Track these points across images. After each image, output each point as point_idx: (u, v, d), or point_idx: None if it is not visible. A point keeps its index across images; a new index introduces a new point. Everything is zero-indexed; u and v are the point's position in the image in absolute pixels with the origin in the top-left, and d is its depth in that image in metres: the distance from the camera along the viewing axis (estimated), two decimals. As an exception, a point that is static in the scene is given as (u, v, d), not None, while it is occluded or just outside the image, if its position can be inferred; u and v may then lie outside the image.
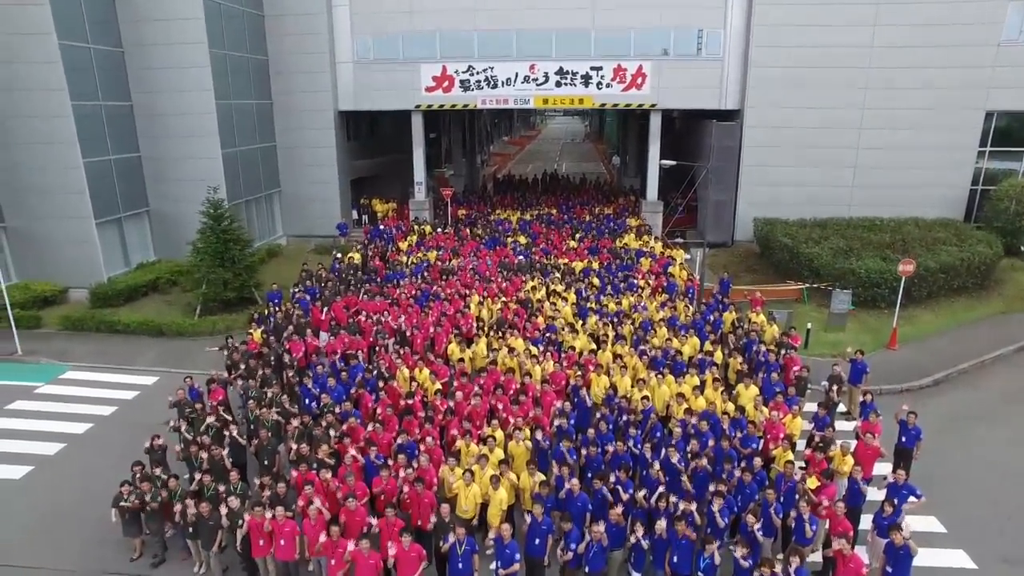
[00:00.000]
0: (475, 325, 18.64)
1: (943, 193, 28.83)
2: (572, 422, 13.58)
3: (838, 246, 23.90)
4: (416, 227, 29.23)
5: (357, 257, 24.73)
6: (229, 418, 13.86)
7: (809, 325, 19.97)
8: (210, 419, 13.21)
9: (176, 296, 24.50)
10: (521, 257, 24.27)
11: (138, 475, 11.76)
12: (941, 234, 25.07)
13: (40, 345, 20.25)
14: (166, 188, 26.49)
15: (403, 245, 26.88)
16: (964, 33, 26.80)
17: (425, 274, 22.81)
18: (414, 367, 15.73)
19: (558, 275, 22.52)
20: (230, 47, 27.05)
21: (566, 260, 24.37)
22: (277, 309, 19.75)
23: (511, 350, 16.28)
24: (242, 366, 15.95)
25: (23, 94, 22.06)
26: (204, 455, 12.20)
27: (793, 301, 23.01)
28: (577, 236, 27.74)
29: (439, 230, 28.74)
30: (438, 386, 14.88)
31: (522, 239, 27.20)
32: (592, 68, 29.15)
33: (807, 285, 22.92)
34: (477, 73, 29.54)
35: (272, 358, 16.54)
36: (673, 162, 24.81)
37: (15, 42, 21.61)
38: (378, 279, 22.86)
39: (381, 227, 29.52)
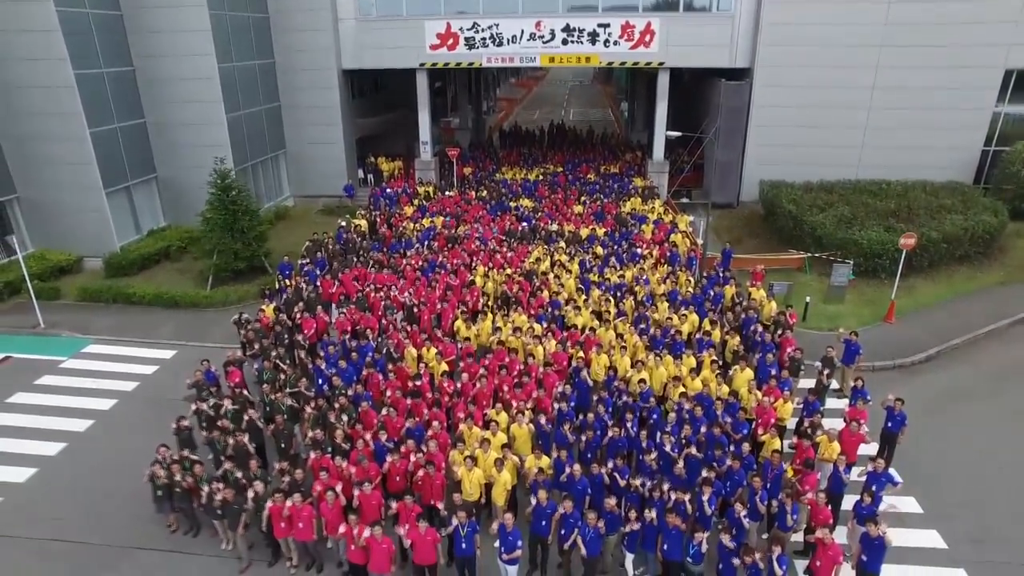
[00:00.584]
0: (480, 300, 19.20)
1: (954, 155, 28.57)
2: (572, 404, 14.31)
3: (842, 214, 24.01)
4: (421, 188, 29.38)
5: (363, 224, 25.09)
6: (249, 397, 14.65)
7: (808, 298, 20.38)
8: (227, 403, 13.98)
9: (187, 263, 25.11)
10: (525, 224, 24.53)
11: (165, 458, 12.63)
12: (948, 200, 25.04)
13: (61, 317, 21.01)
14: (173, 154, 26.67)
15: (408, 210, 27.14)
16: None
17: (431, 243, 23.19)
18: (421, 346, 16.39)
19: (563, 244, 22.88)
20: (230, 7, 26.59)
21: (571, 226, 24.61)
22: (288, 283, 20.34)
23: (516, 329, 16.87)
24: (256, 345, 16.67)
25: (27, 64, 22.03)
26: (229, 440, 13.02)
27: (795, 270, 23.35)
28: (583, 200, 27.87)
29: (445, 193, 28.88)
30: (444, 367, 15.59)
31: (527, 202, 27.38)
32: (599, 25, 28.53)
33: (809, 255, 23.17)
34: (482, 30, 28.98)
35: (285, 336, 17.24)
36: (678, 133, 24.62)
37: (11, 9, 21.44)
38: (385, 247, 23.31)
39: (388, 190, 29.65)
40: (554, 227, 24.51)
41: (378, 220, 25.70)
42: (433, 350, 16.08)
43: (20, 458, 14.76)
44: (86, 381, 17.72)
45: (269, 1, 29.32)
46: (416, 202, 27.92)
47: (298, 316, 17.88)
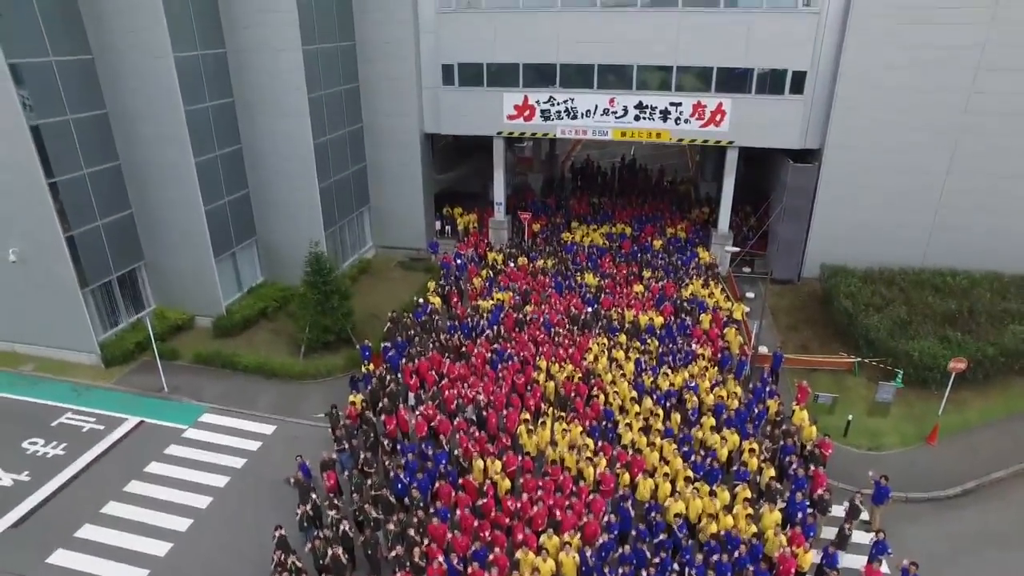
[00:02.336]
0: (542, 402, 21.70)
1: (1027, 242, 28.65)
2: (615, 533, 16.70)
3: (898, 316, 24.94)
4: (490, 255, 31.83)
5: (437, 301, 27.83)
6: (339, 505, 17.73)
7: (850, 417, 21.76)
8: (331, 514, 17.08)
9: (282, 322, 28.66)
10: (588, 310, 26.66)
11: (276, 562, 15.83)
12: (1013, 304, 25.50)
13: (180, 380, 24.84)
14: (271, 219, 30.08)
15: (477, 282, 29.71)
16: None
17: (500, 327, 25.71)
18: (488, 455, 19.07)
19: (622, 337, 24.95)
20: (326, 85, 29.46)
21: (632, 313, 26.57)
22: (371, 367, 23.41)
23: (571, 447, 19.27)
24: (345, 444, 19.77)
25: (156, 146, 25.51)
26: (329, 551, 16.12)
27: (845, 371, 24.61)
28: (645, 278, 29.65)
29: (511, 264, 31.24)
30: (507, 483, 18.23)
31: (591, 279, 29.41)
32: (671, 104, 29.82)
33: (859, 359, 24.35)
34: (558, 104, 30.79)
35: (371, 434, 20.30)
36: (736, 249, 26.14)
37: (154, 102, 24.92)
38: (458, 325, 26.03)
39: (458, 256, 32.13)
40: (615, 313, 26.52)
41: (451, 295, 28.40)
42: (498, 463, 18.73)
43: (159, 531, 18.45)
44: (204, 454, 21.36)
45: (360, 70, 32.04)
46: (484, 273, 30.39)
47: (382, 415, 20.88)
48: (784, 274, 31.19)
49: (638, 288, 28.64)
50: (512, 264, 31.31)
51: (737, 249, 26.75)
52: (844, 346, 25.81)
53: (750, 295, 30.35)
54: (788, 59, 28.19)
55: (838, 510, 18.07)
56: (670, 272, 30.20)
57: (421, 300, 27.88)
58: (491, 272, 30.75)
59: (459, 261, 31.51)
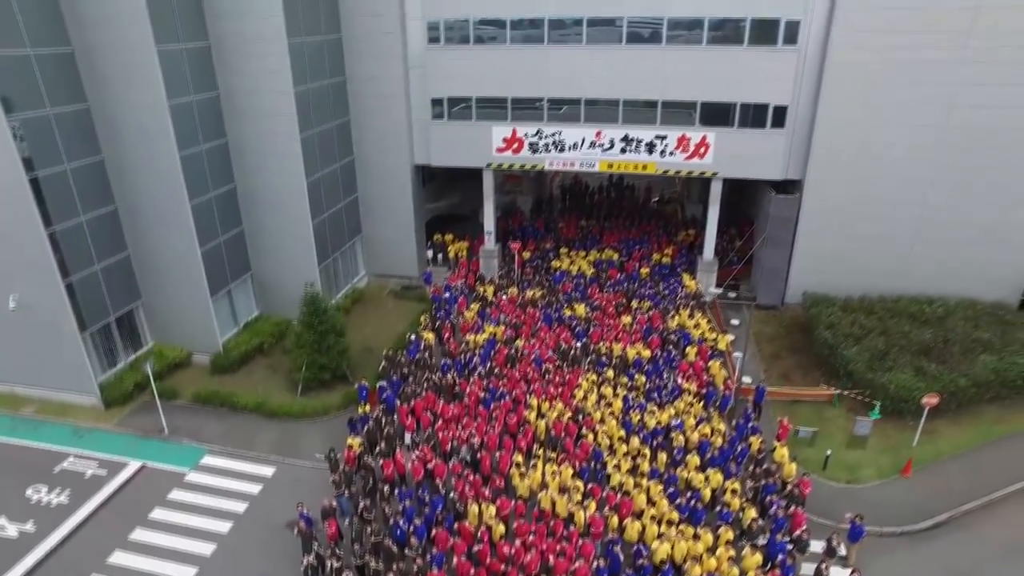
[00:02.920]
0: (534, 442, 22.60)
1: (1003, 271, 29.72)
2: (605, 577, 17.66)
3: (875, 347, 26.01)
4: (480, 288, 32.65)
5: (430, 337, 28.63)
6: (340, 554, 18.56)
7: (829, 451, 22.79)
8: (331, 563, 17.92)
9: (278, 358, 29.34)
10: (578, 344, 27.54)
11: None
12: (985, 333, 26.63)
13: (180, 421, 25.52)
14: (266, 255, 30.73)
15: (468, 315, 30.54)
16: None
17: (491, 362, 26.55)
18: (483, 499, 19.95)
19: (610, 372, 25.86)
20: (317, 122, 30.06)
21: (619, 346, 27.48)
22: (368, 408, 24.22)
23: (562, 490, 20.19)
24: (343, 489, 20.57)
25: (152, 190, 26.06)
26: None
27: (825, 403, 25.65)
28: (632, 307, 30.57)
29: (502, 295, 32.06)
30: (502, 528, 19.12)
31: (580, 309, 30.29)
32: (657, 136, 30.67)
33: (838, 391, 25.40)
34: (545, 137, 31.57)
35: (370, 478, 21.14)
36: (719, 290, 27.17)
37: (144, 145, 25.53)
38: (452, 363, 26.85)
39: (447, 289, 32.87)
40: (603, 347, 27.43)
41: (444, 329, 29.22)
42: (492, 508, 19.61)
43: (166, 581, 19.27)
44: (207, 499, 22.09)
45: (351, 104, 32.68)
46: (474, 306, 31.21)
47: (380, 459, 21.71)
48: (768, 300, 32.22)
49: (626, 319, 29.53)
50: (503, 296, 32.12)
51: (720, 291, 27.66)
52: (825, 375, 26.88)
53: (735, 322, 31.36)
54: (770, 94, 29.08)
55: (817, 545, 19.12)
56: (657, 302, 31.11)
57: (414, 336, 28.62)
58: (482, 304, 31.56)
59: (449, 294, 32.27)
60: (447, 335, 29.28)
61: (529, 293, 32.08)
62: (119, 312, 27.26)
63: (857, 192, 29.59)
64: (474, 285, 33.38)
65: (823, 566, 17.85)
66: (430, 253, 36.59)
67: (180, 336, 28.89)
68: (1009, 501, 21.53)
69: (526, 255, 35.42)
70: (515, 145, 32.07)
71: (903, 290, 30.17)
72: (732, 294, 33.84)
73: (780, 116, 29.38)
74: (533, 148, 31.98)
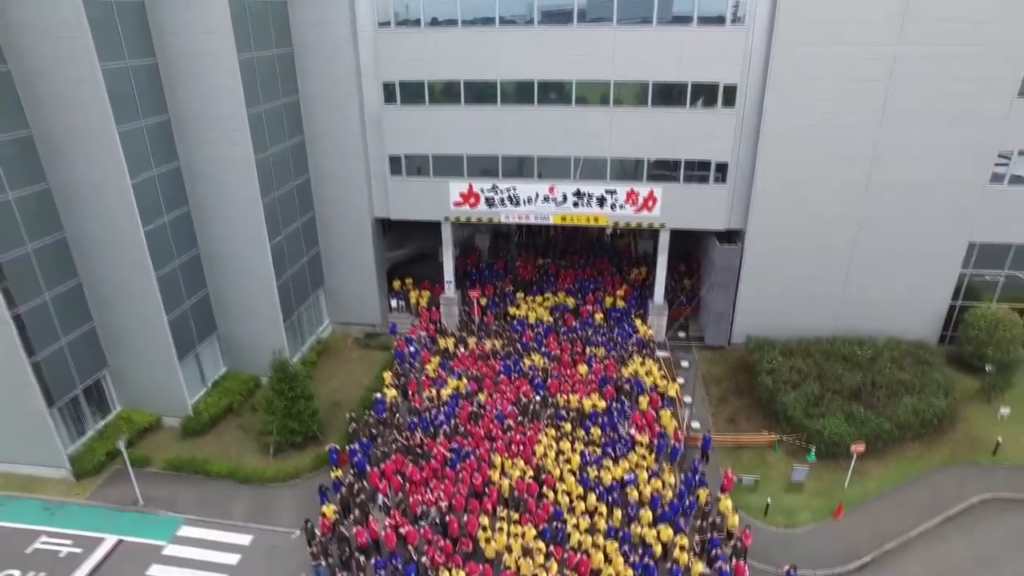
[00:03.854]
0: (498, 502, 24.29)
1: (925, 309, 32.72)
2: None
3: (811, 392, 28.49)
4: (441, 342, 34.13)
5: (393, 394, 30.01)
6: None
7: (769, 500, 25.11)
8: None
9: (247, 417, 30.31)
10: (537, 398, 29.31)
11: None
12: (907, 374, 29.38)
13: (153, 491, 26.35)
14: (231, 315, 31.59)
15: (430, 368, 32.04)
16: (953, 176, 29.74)
17: (455, 419, 28.10)
18: (453, 565, 21.56)
19: (567, 426, 27.71)
20: (278, 186, 30.99)
21: (576, 398, 29.34)
22: (339, 473, 25.52)
23: (525, 552, 21.95)
24: (321, 560, 21.92)
25: (117, 265, 26.70)
26: None
27: (767, 447, 28.02)
28: (587, 355, 32.48)
29: (461, 348, 33.60)
30: (471, 596, 20.79)
31: (538, 360, 32.04)
32: (607, 191, 32.55)
33: (778, 438, 27.80)
34: (501, 192, 33.13)
35: (346, 548, 22.51)
36: (667, 354, 29.25)
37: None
38: (418, 421, 28.30)
39: (410, 344, 34.20)
40: (561, 399, 29.26)
41: (408, 386, 30.64)
42: (462, 573, 21.25)
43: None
44: (186, 572, 23.13)
45: (310, 163, 33.66)
46: (436, 359, 32.71)
47: (354, 526, 23.10)
48: (715, 341, 34.59)
49: (582, 369, 31.42)
50: (463, 348, 33.63)
51: (668, 355, 29.75)
52: (766, 420, 29.28)
53: (685, 364, 33.60)
54: (712, 152, 31.20)
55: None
56: (611, 349, 33.09)
57: (379, 395, 29.94)
58: (443, 357, 33.05)
59: (412, 348, 33.64)
60: (412, 390, 30.67)
61: (488, 344, 33.65)
62: (86, 383, 27.85)
63: (793, 240, 32.08)
64: (435, 336, 34.76)
65: None
66: (393, 302, 37.80)
67: (149, 401, 29.59)
68: (921, 540, 24.19)
69: (483, 301, 36.93)
70: (472, 200, 33.55)
71: (838, 329, 32.92)
72: (682, 334, 36.14)
73: (722, 171, 31.59)
74: (489, 202, 33.51)
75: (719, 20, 28.84)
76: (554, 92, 30.99)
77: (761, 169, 30.95)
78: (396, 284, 38.53)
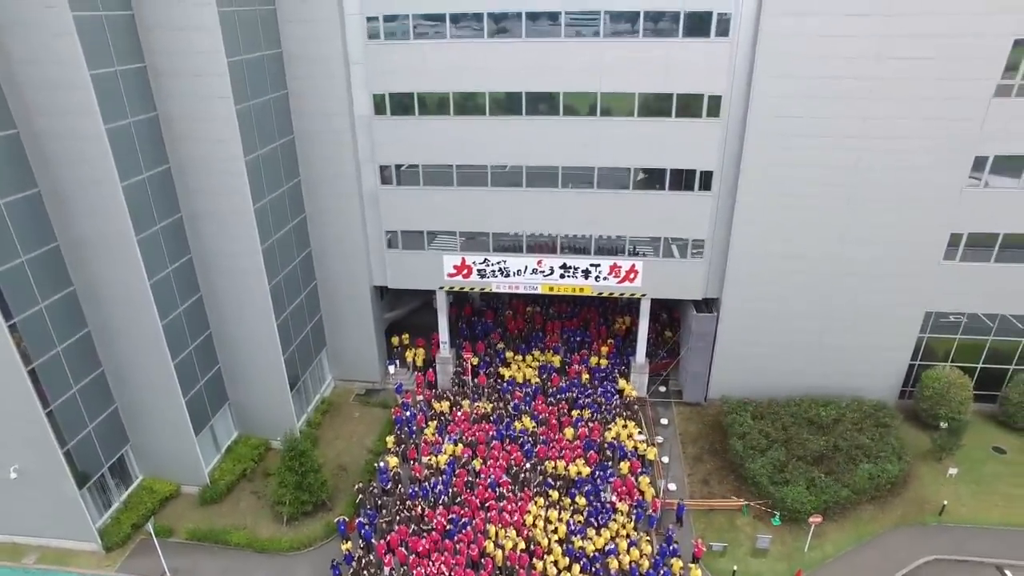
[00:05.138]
0: (494, 569, 27.46)
1: (886, 369, 35.96)
2: None
3: (777, 460, 31.69)
4: (436, 405, 37.11)
5: (394, 462, 33.06)
6: None
7: (735, 567, 28.39)
8: None
9: (260, 483, 33.31)
10: (527, 465, 32.39)
11: None
12: (866, 438, 32.62)
13: (178, 561, 29.34)
14: (242, 386, 34.47)
15: (428, 432, 35.11)
16: (910, 255, 32.82)
17: (452, 489, 31.18)
18: (453, 640, 24.80)
19: (555, 494, 30.84)
20: (282, 267, 33.60)
21: (563, 463, 32.44)
22: (349, 546, 28.57)
23: (517, 627, 25.19)
24: (337, 636, 25.10)
25: (136, 353, 29.39)
26: None
27: (736, 510, 31.26)
28: (573, 417, 35.57)
29: (457, 410, 36.61)
30: (469, 669, 24.02)
31: (528, 422, 35.09)
32: (592, 264, 35.35)
33: (747, 503, 31.05)
34: (492, 264, 35.87)
35: (356, 624, 25.69)
36: (644, 439, 32.25)
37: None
38: (418, 490, 31.34)
39: (407, 408, 37.12)
40: (549, 466, 32.37)
41: (409, 453, 33.67)
42: (460, 649, 24.50)
43: None
44: (216, 646, 26.30)
45: (311, 237, 36.29)
46: (433, 424, 35.75)
47: (364, 604, 26.27)
48: (693, 398, 37.80)
49: (569, 433, 34.51)
50: (458, 411, 36.62)
51: (644, 440, 32.99)
52: (737, 481, 32.53)
53: (664, 421, 36.77)
54: (690, 231, 33.97)
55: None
56: (596, 411, 36.17)
57: (382, 464, 32.97)
58: (439, 421, 36.08)
59: (408, 413, 36.60)
60: (412, 456, 33.71)
61: (480, 407, 36.63)
62: (111, 461, 30.68)
63: (766, 308, 35.09)
64: (431, 400, 37.70)
65: None
66: (391, 369, 40.73)
67: (168, 471, 32.51)
68: (875, 599, 27.65)
69: (474, 360, 39.84)
70: (464, 271, 36.30)
71: (808, 387, 36.14)
72: (663, 388, 39.30)
73: (699, 248, 34.42)
74: (481, 274, 36.27)
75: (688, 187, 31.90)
76: (543, 174, 33.59)
77: (736, 241, 33.73)
78: (395, 341, 41.39)
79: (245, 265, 31.13)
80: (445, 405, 37.00)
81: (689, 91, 30.88)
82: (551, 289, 36.57)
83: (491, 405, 36.81)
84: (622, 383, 38.21)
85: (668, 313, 43.81)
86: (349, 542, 29.12)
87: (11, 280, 24.98)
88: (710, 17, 29.26)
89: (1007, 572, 28.16)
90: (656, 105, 31.38)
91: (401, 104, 32.78)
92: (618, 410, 36.24)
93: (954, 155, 30.68)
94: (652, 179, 33.19)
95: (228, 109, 28.15)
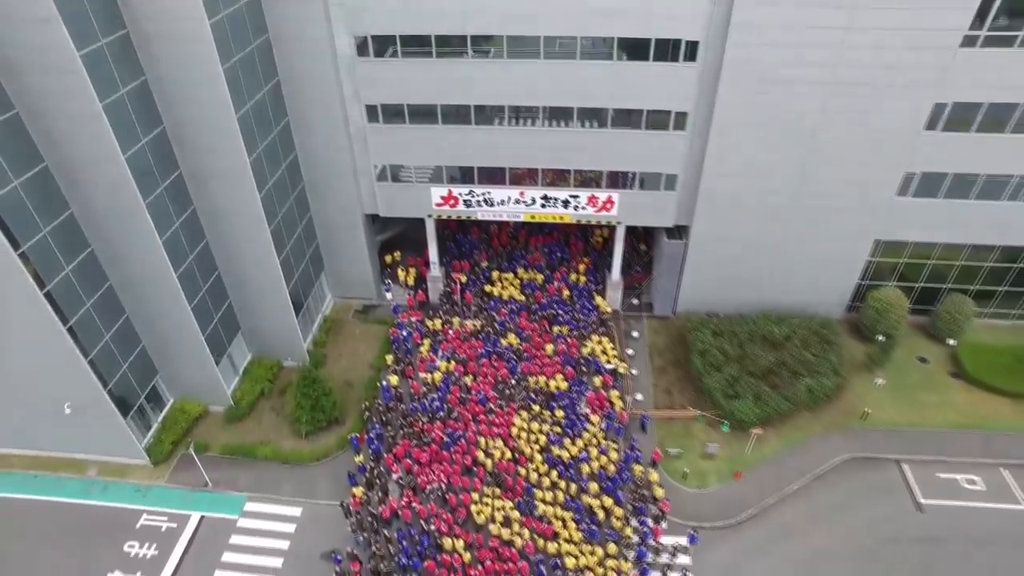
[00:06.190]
0: (485, 474, 33.64)
1: (837, 285, 40.58)
2: (535, 587, 29.83)
3: (730, 375, 37.09)
4: (429, 323, 41.55)
5: (395, 380, 38.19)
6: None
7: (687, 469, 34.65)
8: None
9: (277, 400, 38.64)
10: (512, 381, 37.66)
11: None
12: (810, 355, 37.89)
13: (217, 473, 35.20)
14: (252, 316, 38.63)
15: (424, 349, 39.93)
16: (868, 191, 36.06)
17: (447, 405, 36.63)
18: (455, 535, 31.31)
19: (536, 407, 36.42)
20: (279, 206, 36.30)
21: (544, 379, 37.76)
22: (361, 459, 34.42)
23: (505, 521, 31.65)
24: (357, 535, 31.52)
25: (159, 302, 33.16)
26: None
27: (692, 419, 37.15)
28: (554, 333, 40.38)
29: (448, 328, 41.16)
30: (468, 556, 30.66)
31: (513, 339, 39.93)
32: (571, 196, 38.30)
33: (700, 414, 36.85)
34: (476, 195, 38.70)
35: (374, 523, 32.02)
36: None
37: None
38: (417, 406, 36.79)
39: (403, 328, 41.56)
40: (532, 381, 37.67)
41: (407, 371, 38.72)
42: (460, 541, 31.05)
43: (248, 608, 30.59)
44: (257, 540, 32.76)
45: (304, 175, 38.52)
46: (427, 341, 40.46)
47: (379, 505, 32.50)
48: (662, 311, 42.66)
49: (549, 349, 39.52)
50: (449, 329, 41.22)
51: (617, 355, 37.77)
52: (695, 392, 38.22)
53: (635, 334, 41.79)
54: (665, 166, 36.65)
55: (673, 539, 31.59)
56: (574, 327, 40.94)
57: (384, 383, 38.13)
58: (432, 339, 40.79)
59: (405, 333, 41.16)
60: (410, 373, 38.85)
61: (469, 324, 41.25)
62: (146, 391, 35.53)
63: (730, 232, 38.84)
64: (423, 321, 42.13)
65: (675, 556, 30.53)
66: (388, 296, 44.69)
67: (196, 393, 37.56)
68: (789, 497, 34.05)
69: (462, 279, 43.82)
70: (451, 201, 39.17)
71: (766, 302, 40.87)
72: (635, 301, 43.92)
73: (672, 182, 37.28)
74: (467, 203, 39.20)
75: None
76: (525, 111, 35.54)
77: (706, 178, 36.70)
78: (388, 259, 45.02)
79: (245, 212, 33.89)
80: (438, 323, 41.62)
81: (668, 36, 32.23)
82: (533, 217, 39.77)
83: (480, 323, 41.48)
84: (598, 299, 42.73)
85: (644, 229, 47.27)
86: (361, 455, 35.00)
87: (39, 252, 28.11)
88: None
89: (904, 465, 34.84)
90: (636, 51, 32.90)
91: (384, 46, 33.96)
92: (594, 326, 41.09)
93: (914, 103, 32.92)
94: (632, 120, 35.26)
95: (215, 70, 29.56)
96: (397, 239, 45.91)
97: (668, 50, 32.57)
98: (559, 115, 35.52)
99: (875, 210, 37.04)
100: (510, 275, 44.62)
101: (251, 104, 32.53)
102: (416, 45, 33.73)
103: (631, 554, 30.95)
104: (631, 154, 36.31)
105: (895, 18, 30.41)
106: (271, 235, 35.13)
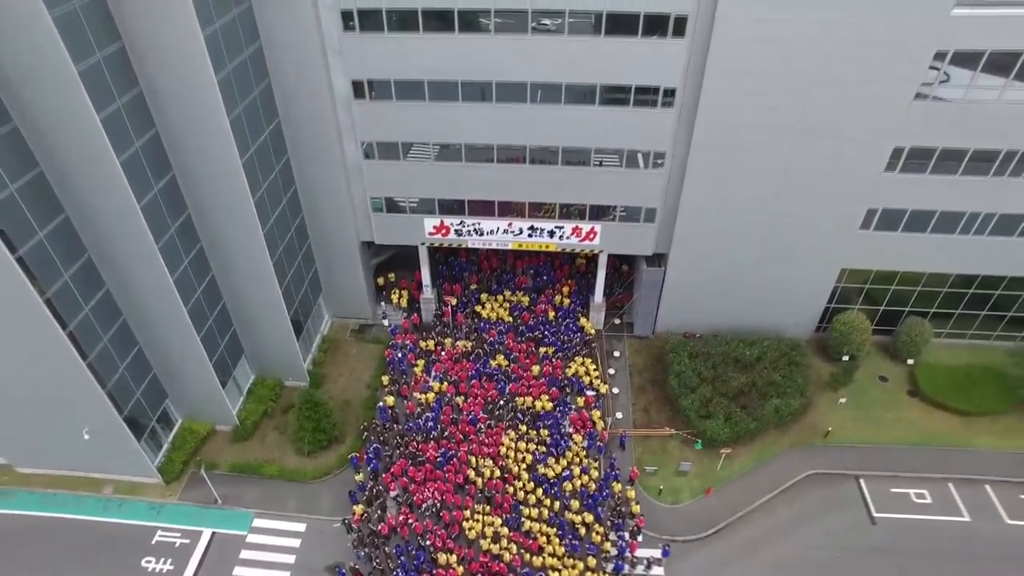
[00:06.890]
0: (476, 493, 36.86)
1: (808, 306, 43.83)
2: (522, 598, 33.24)
3: (704, 396, 40.39)
4: (423, 344, 44.48)
5: (391, 400, 41.19)
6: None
7: (662, 486, 38.03)
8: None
9: (280, 418, 41.57)
10: (501, 401, 40.78)
11: None
12: (778, 376, 41.21)
13: (225, 490, 38.22)
14: (254, 339, 41.33)
15: (418, 370, 42.89)
16: (834, 223, 39.14)
17: (441, 425, 39.72)
18: (451, 549, 34.55)
19: (524, 427, 39.59)
20: (280, 240, 38.92)
21: (531, 399, 40.90)
22: (361, 477, 37.52)
23: (494, 537, 34.92)
24: (358, 550, 34.73)
25: (170, 333, 35.84)
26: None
27: (668, 437, 40.48)
28: (540, 354, 43.48)
29: (440, 349, 44.13)
30: (460, 569, 33.97)
31: (502, 360, 43.00)
32: (556, 227, 41.15)
33: (676, 432, 40.18)
34: (467, 225, 41.47)
35: (374, 539, 35.22)
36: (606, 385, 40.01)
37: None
38: (412, 424, 39.84)
39: (397, 350, 44.45)
40: (519, 401, 40.81)
41: (402, 390, 41.74)
42: (453, 556, 34.33)
43: (259, 617, 33.81)
44: (265, 555, 35.91)
45: (303, 204, 41.06)
46: (420, 362, 43.42)
47: (379, 524, 35.69)
48: (642, 332, 45.79)
49: (535, 370, 42.61)
50: (441, 350, 44.20)
51: (599, 376, 40.86)
52: (671, 411, 41.52)
53: (616, 354, 44.97)
54: (643, 201, 39.51)
55: (647, 552, 35.02)
56: (560, 348, 44.03)
57: (381, 404, 41.14)
58: (426, 360, 43.76)
59: (400, 354, 44.11)
60: (405, 394, 41.90)
61: (460, 345, 44.23)
62: (157, 414, 38.36)
63: (707, 260, 41.86)
64: (416, 342, 45.05)
65: (648, 570, 34.00)
66: (385, 321, 47.46)
67: (202, 414, 40.43)
68: (754, 512, 37.51)
69: (453, 301, 46.72)
70: (443, 231, 41.94)
71: (740, 324, 44.08)
72: (617, 320, 47.05)
73: (651, 215, 40.18)
74: (458, 232, 41.98)
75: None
76: (513, 151, 38.22)
77: (684, 211, 39.58)
78: (380, 281, 47.81)
79: (249, 246, 36.45)
80: (431, 344, 44.59)
81: (648, 84, 34.93)
82: (520, 246, 42.63)
83: (471, 344, 44.48)
84: (583, 321, 45.81)
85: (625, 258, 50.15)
86: (361, 474, 38.11)
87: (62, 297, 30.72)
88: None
89: (861, 480, 38.42)
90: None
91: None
92: (578, 347, 44.22)
93: (875, 147, 35.89)
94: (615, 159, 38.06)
95: (222, 122, 31.99)
96: (390, 258, 48.59)
97: (648, 97, 35.33)
98: (543, 155, 38.21)
99: (842, 241, 40.14)
100: (500, 297, 47.55)
101: (255, 148, 35.01)
102: (411, 93, 36.26)
103: (609, 567, 34.42)
104: (614, 189, 39.13)
105: (857, 72, 33.30)
106: (273, 267, 37.82)
